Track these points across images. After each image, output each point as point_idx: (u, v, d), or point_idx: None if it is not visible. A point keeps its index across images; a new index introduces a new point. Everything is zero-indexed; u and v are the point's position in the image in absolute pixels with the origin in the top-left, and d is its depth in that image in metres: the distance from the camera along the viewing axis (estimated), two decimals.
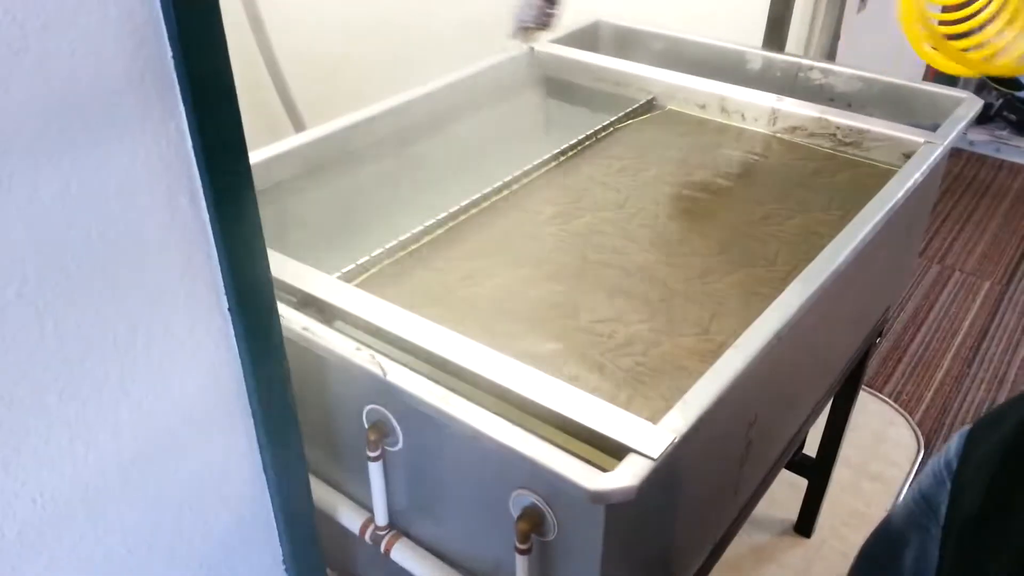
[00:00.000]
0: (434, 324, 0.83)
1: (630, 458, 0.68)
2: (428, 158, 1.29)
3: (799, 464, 1.82)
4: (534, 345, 0.90)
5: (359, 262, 1.00)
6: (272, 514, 0.81)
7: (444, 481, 0.84)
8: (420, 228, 1.07)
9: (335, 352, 0.81)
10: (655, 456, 0.67)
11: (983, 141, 3.59)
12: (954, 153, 3.54)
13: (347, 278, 0.98)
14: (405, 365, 0.79)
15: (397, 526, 0.92)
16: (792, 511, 1.90)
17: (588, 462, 0.69)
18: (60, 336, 0.56)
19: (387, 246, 1.03)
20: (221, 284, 0.65)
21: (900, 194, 1.07)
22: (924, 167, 1.14)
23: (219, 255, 0.63)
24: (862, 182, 1.22)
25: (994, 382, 2.34)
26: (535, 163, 1.24)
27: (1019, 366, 2.40)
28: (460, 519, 0.86)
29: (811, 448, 1.78)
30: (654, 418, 0.72)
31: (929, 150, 1.19)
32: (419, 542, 0.91)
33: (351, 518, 0.93)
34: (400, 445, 0.85)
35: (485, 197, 1.17)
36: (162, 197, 0.59)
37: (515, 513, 0.76)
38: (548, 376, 0.76)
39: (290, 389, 0.74)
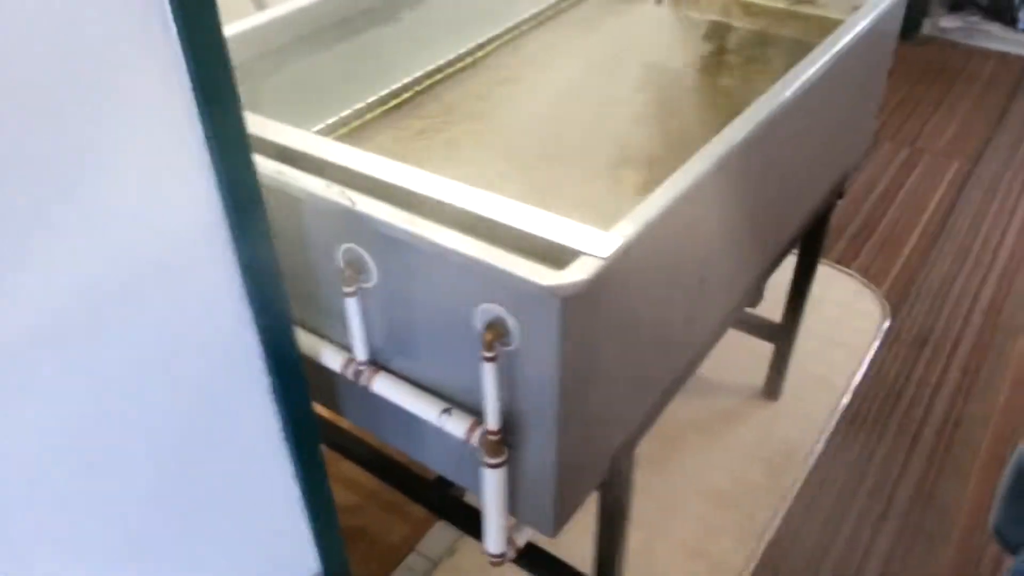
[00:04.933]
0: (391, 160, 0.88)
1: (581, 259, 0.74)
2: (416, 20, 1.32)
3: (765, 330, 1.92)
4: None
5: (327, 122, 1.05)
6: (258, 346, 0.87)
7: (416, 309, 0.91)
8: (388, 91, 1.12)
9: (308, 191, 0.86)
10: (604, 256, 0.74)
11: (955, 28, 3.59)
12: (927, 40, 3.56)
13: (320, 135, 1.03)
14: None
15: (377, 362, 1.00)
16: (760, 377, 2.00)
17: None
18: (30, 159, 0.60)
19: (354, 107, 1.08)
20: (196, 113, 0.70)
21: (847, 39, 1.12)
22: (871, 16, 1.18)
23: (192, 84, 0.68)
24: (809, 36, 1.26)
25: (960, 254, 2.43)
26: (508, 25, 1.28)
27: (983, 238, 2.48)
28: (433, 345, 0.93)
29: (777, 315, 1.87)
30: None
31: (877, 1, 1.23)
32: (398, 375, 0.99)
33: (333, 358, 1.01)
34: (375, 281, 0.91)
35: (450, 63, 1.21)
36: (135, 18, 0.63)
37: (480, 326, 0.83)
38: (504, 198, 0.82)
39: (266, 222, 0.80)
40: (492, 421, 0.88)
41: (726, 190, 0.98)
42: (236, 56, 1.15)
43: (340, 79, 1.20)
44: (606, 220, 0.90)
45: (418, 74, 1.17)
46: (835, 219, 2.60)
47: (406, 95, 1.15)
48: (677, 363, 1.12)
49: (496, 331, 0.81)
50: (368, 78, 1.18)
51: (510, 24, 1.33)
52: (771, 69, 1.19)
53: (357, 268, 0.91)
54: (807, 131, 1.21)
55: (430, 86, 1.18)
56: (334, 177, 0.92)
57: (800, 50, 1.23)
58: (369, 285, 0.92)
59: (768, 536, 1.66)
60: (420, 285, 0.88)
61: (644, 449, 1.87)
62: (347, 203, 0.83)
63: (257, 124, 0.95)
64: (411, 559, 1.64)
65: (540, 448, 0.89)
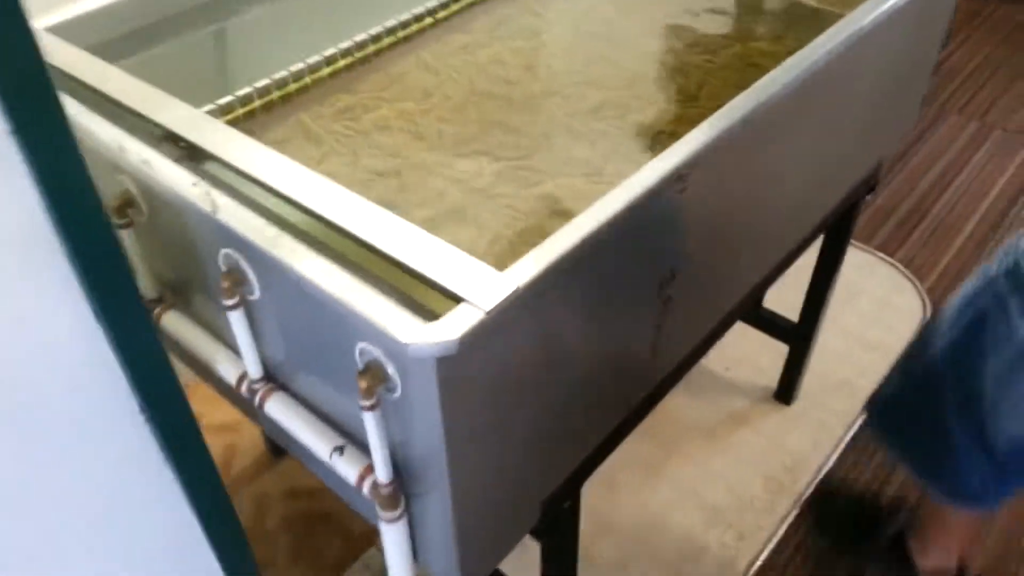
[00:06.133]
0: (280, 156, 0.73)
1: (459, 309, 0.59)
2: None
3: (780, 329, 1.73)
4: (395, 189, 0.81)
5: (237, 94, 0.90)
6: (116, 363, 0.75)
7: (303, 332, 0.77)
8: (306, 64, 0.96)
9: (171, 188, 0.72)
10: (487, 308, 0.58)
11: None
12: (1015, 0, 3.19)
13: (221, 112, 0.89)
14: (265, 207, 0.71)
15: (275, 380, 0.87)
16: (776, 378, 1.82)
17: (434, 314, 0.61)
18: None
19: (271, 78, 0.93)
20: None
21: (865, 22, 0.91)
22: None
23: None
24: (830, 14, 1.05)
25: None
26: None
27: None
28: (326, 372, 0.79)
29: (794, 312, 1.68)
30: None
31: None
32: (297, 397, 0.86)
33: (228, 370, 0.88)
34: (257, 294, 0.77)
35: (404, 25, 1.04)
36: None
37: (360, 365, 0.69)
38: (395, 218, 0.67)
39: (106, 220, 0.66)
40: (382, 473, 0.75)
41: (692, 203, 0.81)
42: (153, 10, 1.01)
43: (271, 42, 1.04)
44: (528, 245, 0.74)
45: (361, 38, 1.01)
46: (883, 199, 2.35)
47: (343, 62, 0.99)
48: (634, 396, 0.96)
49: (375, 376, 0.67)
50: (306, 41, 1.02)
51: None
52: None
53: (237, 278, 0.77)
54: (812, 127, 1.01)
55: (376, 52, 1.02)
56: (220, 167, 0.77)
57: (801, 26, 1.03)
58: (253, 297, 0.79)
59: (756, 565, 1.51)
60: (300, 308, 0.74)
61: (638, 450, 1.73)
62: (208, 208, 0.69)
63: (138, 98, 0.81)
64: (371, 554, 1.55)
65: (437, 502, 0.76)
